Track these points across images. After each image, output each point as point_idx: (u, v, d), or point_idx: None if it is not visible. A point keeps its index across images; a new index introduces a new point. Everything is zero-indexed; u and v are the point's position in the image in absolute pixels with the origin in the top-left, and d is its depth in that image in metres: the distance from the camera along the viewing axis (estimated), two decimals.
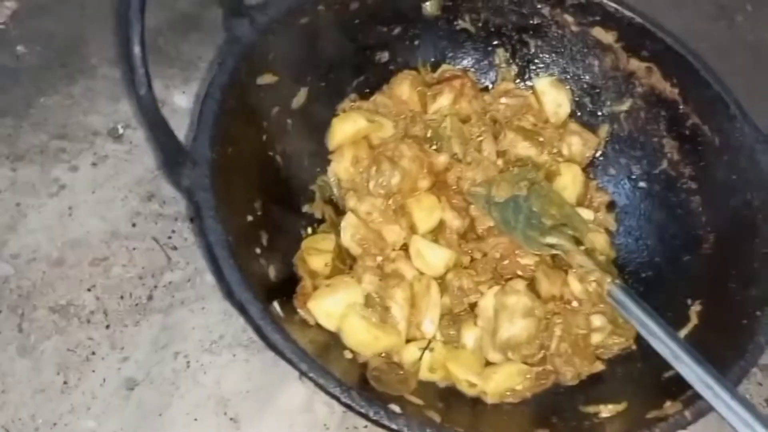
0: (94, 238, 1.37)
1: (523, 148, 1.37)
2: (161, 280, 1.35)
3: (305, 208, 1.33)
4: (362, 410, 0.94)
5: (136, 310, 1.32)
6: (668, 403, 1.04)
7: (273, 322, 0.97)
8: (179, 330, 1.30)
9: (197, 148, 1.06)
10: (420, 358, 1.17)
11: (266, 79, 1.22)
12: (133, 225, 1.40)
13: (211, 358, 1.26)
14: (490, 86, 1.50)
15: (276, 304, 1.09)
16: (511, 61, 1.48)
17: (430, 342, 1.19)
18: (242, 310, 0.98)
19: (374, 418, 0.93)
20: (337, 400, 0.95)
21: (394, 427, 0.93)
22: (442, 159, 1.33)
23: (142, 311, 1.32)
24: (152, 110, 0.97)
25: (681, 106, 1.32)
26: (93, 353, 1.26)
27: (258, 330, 0.97)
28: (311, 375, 0.95)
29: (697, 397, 1.03)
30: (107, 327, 1.29)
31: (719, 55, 1.85)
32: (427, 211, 1.28)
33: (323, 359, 1.05)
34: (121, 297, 1.33)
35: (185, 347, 1.27)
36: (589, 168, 1.46)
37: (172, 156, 1.04)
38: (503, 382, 1.18)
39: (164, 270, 1.36)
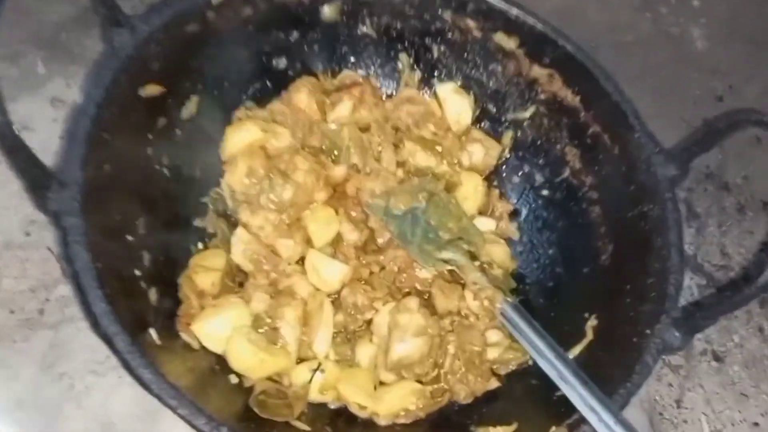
0: None
1: (423, 159, 1.34)
2: (54, 293, 1.29)
3: (196, 223, 1.28)
4: None
5: (27, 324, 1.26)
6: (554, 429, 1.03)
7: (141, 355, 0.93)
8: (65, 348, 1.24)
9: (66, 169, 1.01)
10: (310, 381, 1.15)
11: (150, 90, 1.16)
12: (27, 234, 1.34)
13: (96, 380, 1.22)
14: (394, 93, 1.47)
15: (152, 331, 1.04)
16: (414, 66, 1.44)
17: (320, 364, 1.16)
18: (108, 342, 0.93)
19: None
20: None
21: None
22: (339, 171, 1.29)
23: (33, 326, 1.26)
24: (9, 135, 0.91)
25: (582, 114, 1.30)
26: None
27: (125, 364, 0.92)
28: (179, 412, 0.91)
29: (583, 421, 1.02)
30: None
31: (643, 48, 1.86)
32: (323, 224, 1.25)
33: (201, 389, 1.02)
34: (11, 311, 1.27)
35: (70, 368, 1.23)
36: (493, 176, 1.44)
37: (36, 180, 0.98)
38: (396, 402, 1.16)
39: (58, 282, 1.30)
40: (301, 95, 1.35)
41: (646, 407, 1.39)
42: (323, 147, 1.32)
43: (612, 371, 1.09)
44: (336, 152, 1.32)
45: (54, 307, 1.28)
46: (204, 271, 1.19)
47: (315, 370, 1.15)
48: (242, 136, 1.29)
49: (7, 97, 1.43)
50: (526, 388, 1.20)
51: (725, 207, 1.69)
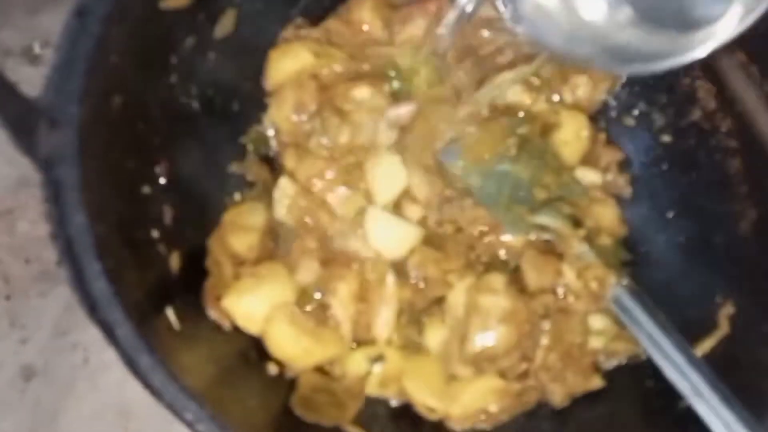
0: None
1: (515, 92, 1.08)
2: (59, 246, 1.13)
3: (232, 169, 1.06)
4: None
5: (43, 278, 1.14)
6: None
7: (151, 353, 0.72)
8: (82, 314, 1.06)
9: (59, 103, 0.79)
10: (368, 373, 0.95)
11: (172, 2, 0.92)
12: None
13: (113, 356, 1.03)
14: None
15: (170, 312, 0.84)
16: None
17: (381, 353, 0.97)
18: (108, 334, 0.73)
19: None
20: None
21: None
22: (408, 108, 1.04)
23: (50, 280, 1.13)
24: None
25: None
26: None
27: (130, 365, 0.72)
28: (197, 428, 0.70)
29: None
30: (7, 298, 1.13)
31: None
32: (388, 175, 1.02)
33: (230, 385, 0.83)
34: (27, 261, 1.15)
35: (85, 338, 1.09)
36: (600, 116, 1.17)
37: (17, 118, 0.77)
38: (473, 403, 0.96)
39: None
40: (363, 11, 1.10)
41: None
42: (389, 76, 1.08)
43: (759, 382, 0.86)
44: (404, 83, 1.08)
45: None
46: (240, 231, 0.99)
47: (374, 360, 0.96)
48: (290, 63, 1.07)
49: (28, 10, 1.31)
50: (637, 391, 0.99)
51: None
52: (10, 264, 1.13)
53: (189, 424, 0.72)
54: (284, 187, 1.01)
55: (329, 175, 1.01)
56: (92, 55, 0.81)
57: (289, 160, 1.03)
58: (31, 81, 1.20)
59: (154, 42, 0.93)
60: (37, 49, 1.29)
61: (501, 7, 0.89)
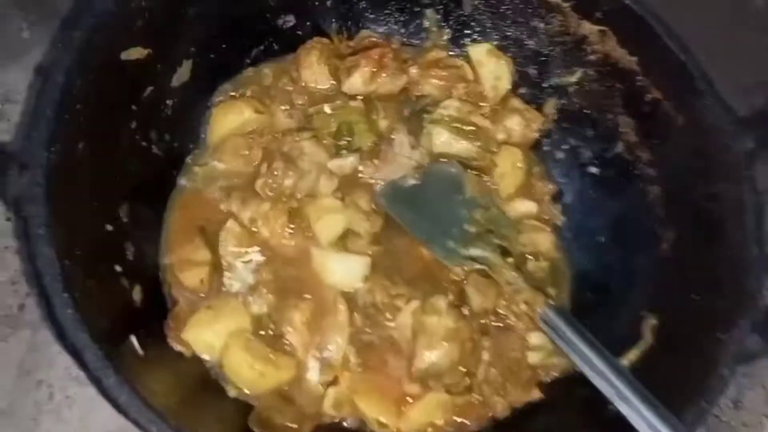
0: None
1: (448, 142, 1.17)
2: (28, 279, 1.16)
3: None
4: None
5: (6, 322, 1.15)
6: None
7: (116, 372, 0.77)
8: (46, 352, 1.12)
9: (28, 148, 0.85)
10: (323, 395, 0.99)
11: (133, 53, 1.00)
12: (7, 219, 1.20)
13: (77, 389, 1.09)
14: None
15: (134, 340, 0.89)
16: (443, 23, 1.27)
17: (336, 377, 1.01)
18: (76, 357, 0.78)
19: None
20: None
21: None
22: (350, 161, 1.13)
23: (12, 324, 1.14)
24: None
25: (640, 78, 1.12)
26: None
27: (97, 384, 0.77)
28: None
29: None
30: None
31: (698, 7, 1.64)
32: (329, 219, 1.09)
33: (192, 407, 0.88)
34: None
35: (50, 375, 1.10)
36: (533, 151, 1.26)
37: None
38: (422, 417, 1.01)
39: None
40: (311, 58, 1.18)
41: None
42: (332, 130, 1.16)
43: (678, 385, 0.93)
44: (346, 137, 1.15)
45: (35, 302, 1.14)
46: (190, 267, 1.04)
47: (329, 384, 1.01)
48: (233, 117, 1.14)
49: None
50: (573, 400, 1.04)
51: None
52: None
53: None
54: (230, 228, 1.07)
55: (273, 216, 1.07)
56: (58, 103, 0.88)
57: (234, 204, 1.09)
58: None
59: (115, 91, 0.99)
60: None
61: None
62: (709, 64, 1.08)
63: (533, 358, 1.07)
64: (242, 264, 1.06)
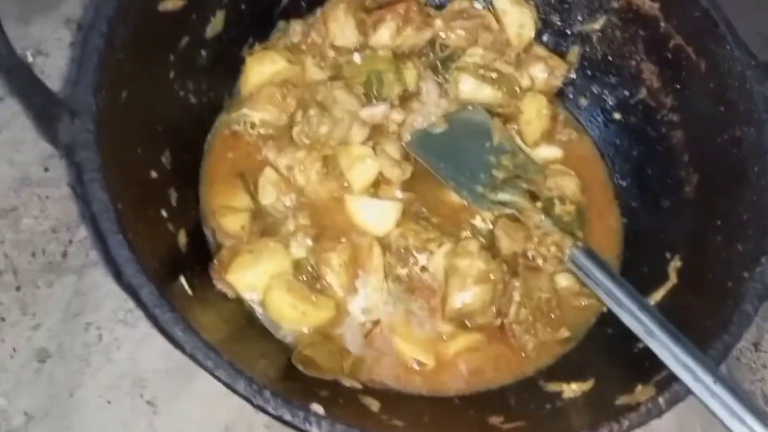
0: (0, 185, 1.22)
1: (474, 89, 1.19)
2: (77, 234, 1.19)
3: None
4: (277, 413, 0.79)
5: (49, 269, 1.18)
6: (639, 387, 0.90)
7: (172, 309, 0.81)
8: (92, 296, 1.15)
9: (77, 96, 0.87)
10: (366, 335, 1.05)
11: (170, 4, 1.01)
12: (46, 170, 1.23)
13: (125, 331, 1.12)
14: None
15: (183, 281, 0.93)
16: None
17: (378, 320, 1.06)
18: (134, 295, 0.82)
19: (291, 422, 0.78)
20: (249, 402, 0.79)
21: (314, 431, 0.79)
22: (381, 109, 1.15)
23: (56, 270, 1.17)
24: (5, 54, 0.77)
25: (662, 24, 1.15)
26: (2, 319, 1.13)
27: (154, 320, 0.81)
28: (217, 374, 0.79)
29: (674, 379, 0.89)
30: (17, 289, 1.16)
31: None
32: (361, 165, 1.12)
33: (239, 344, 0.91)
34: (33, 254, 1.19)
35: (97, 317, 1.13)
36: (558, 98, 1.29)
37: (43, 109, 0.85)
38: (456, 357, 1.06)
39: (80, 222, 1.20)
40: (338, 13, 1.19)
41: None
42: (363, 79, 1.18)
43: (703, 321, 0.97)
44: (375, 87, 1.18)
45: (78, 249, 1.18)
46: (231, 213, 1.07)
47: (371, 329, 1.05)
48: (265, 69, 1.17)
49: (19, 19, 1.36)
50: (603, 338, 1.08)
51: None
52: (17, 258, 1.16)
53: (210, 371, 0.80)
54: (267, 176, 1.10)
55: (309, 163, 1.10)
56: (102, 52, 0.90)
57: (270, 152, 1.12)
58: None
59: (154, 41, 1.01)
60: (29, 58, 1.33)
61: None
62: (731, 10, 1.10)
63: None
64: (280, 210, 1.09)
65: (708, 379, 0.87)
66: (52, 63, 1.32)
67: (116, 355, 1.10)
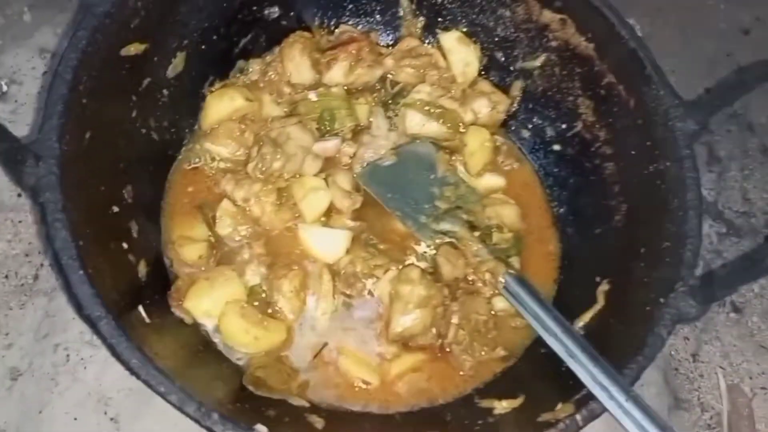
0: None
1: (421, 124, 1.26)
2: (48, 258, 1.25)
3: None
4: None
5: (22, 290, 1.24)
6: (560, 405, 0.97)
7: (128, 339, 0.88)
8: (61, 318, 1.22)
9: (42, 141, 0.94)
10: (315, 356, 1.11)
11: (132, 49, 1.08)
12: (19, 195, 1.30)
13: (91, 352, 1.19)
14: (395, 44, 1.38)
15: (141, 309, 1.00)
16: (417, 12, 1.35)
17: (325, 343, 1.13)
18: (93, 327, 0.89)
19: None
20: (198, 423, 0.87)
21: None
22: (333, 144, 1.23)
23: (28, 292, 1.24)
24: None
25: (596, 63, 1.21)
26: None
27: (111, 349, 0.88)
28: (169, 399, 0.87)
29: (591, 397, 0.97)
30: None
31: None
32: (313, 196, 1.19)
33: (193, 368, 0.98)
34: (6, 276, 1.25)
35: (66, 338, 1.20)
36: (502, 128, 1.36)
37: (8, 153, 0.92)
38: (398, 377, 1.13)
39: None
40: (294, 52, 1.26)
41: (661, 363, 1.33)
42: (316, 116, 1.26)
43: (623, 342, 1.03)
44: (329, 122, 1.25)
45: (48, 272, 1.25)
46: (189, 243, 1.14)
47: (318, 352, 1.12)
48: (224, 106, 1.23)
49: None
50: (536, 357, 1.15)
51: (748, 150, 1.59)
52: None
53: (162, 396, 0.88)
54: (225, 208, 1.17)
55: (264, 195, 1.17)
56: (66, 99, 0.96)
57: (228, 185, 1.19)
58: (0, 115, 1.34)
59: (116, 84, 1.07)
60: (4, 87, 1.39)
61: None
62: (672, 33, 1.15)
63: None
64: (237, 240, 1.17)
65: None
66: (26, 91, 1.38)
67: (83, 375, 1.17)
